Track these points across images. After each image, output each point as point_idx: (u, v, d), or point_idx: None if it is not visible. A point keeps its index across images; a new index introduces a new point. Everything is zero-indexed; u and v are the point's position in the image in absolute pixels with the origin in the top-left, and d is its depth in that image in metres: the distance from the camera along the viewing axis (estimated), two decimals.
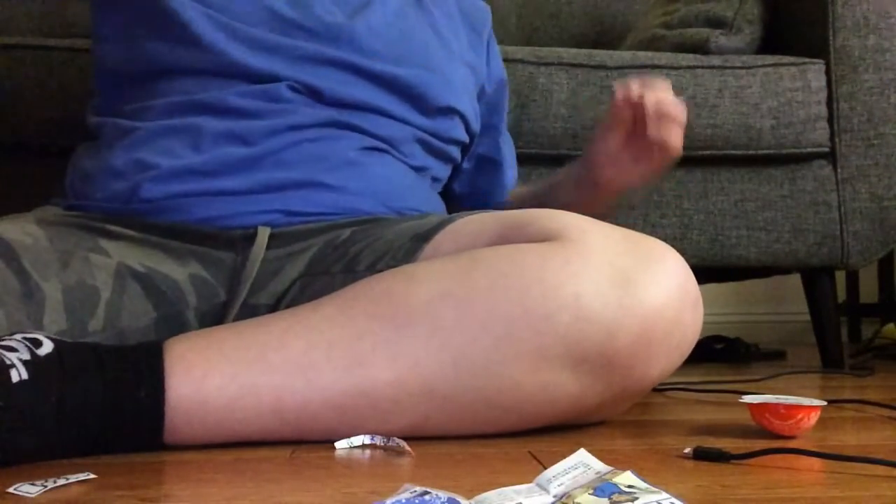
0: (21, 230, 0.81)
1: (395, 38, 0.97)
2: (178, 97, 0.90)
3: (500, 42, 1.16)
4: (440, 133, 1.01)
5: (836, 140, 1.40)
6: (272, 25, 0.92)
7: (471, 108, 1.05)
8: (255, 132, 0.89)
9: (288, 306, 0.83)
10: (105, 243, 0.85)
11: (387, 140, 0.95)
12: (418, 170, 1.00)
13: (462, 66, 1.05)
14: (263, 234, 0.87)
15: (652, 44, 1.52)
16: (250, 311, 0.85)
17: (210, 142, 0.88)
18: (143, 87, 0.93)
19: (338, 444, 0.71)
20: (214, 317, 0.86)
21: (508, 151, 1.19)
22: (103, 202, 0.89)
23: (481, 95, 1.12)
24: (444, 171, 1.07)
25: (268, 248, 0.87)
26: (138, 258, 0.85)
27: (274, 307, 0.85)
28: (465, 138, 1.06)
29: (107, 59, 0.96)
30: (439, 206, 1.05)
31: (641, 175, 0.99)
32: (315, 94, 0.92)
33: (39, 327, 0.75)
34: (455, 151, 1.06)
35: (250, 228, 0.87)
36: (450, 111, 1.01)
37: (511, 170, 1.18)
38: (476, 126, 1.08)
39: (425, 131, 0.99)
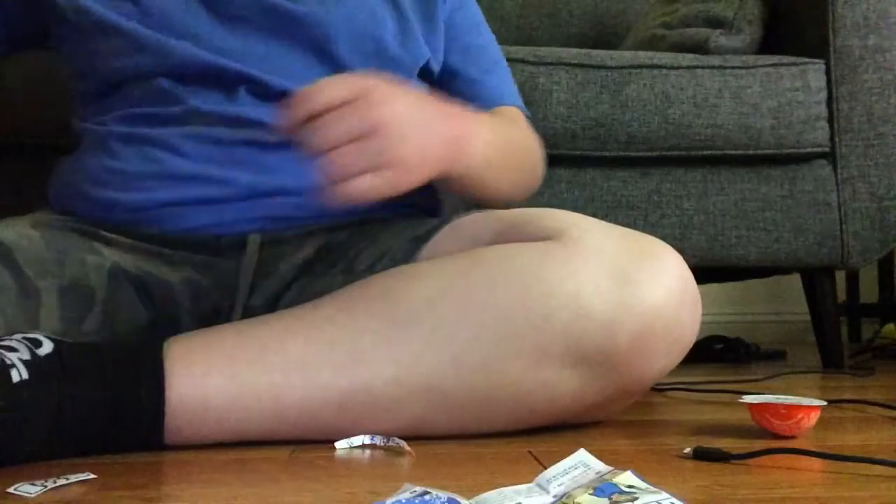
0: (17, 232, 0.81)
1: (344, 16, 0.92)
2: (146, 108, 0.88)
3: (501, 42, 1.15)
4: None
5: (836, 140, 1.40)
6: (220, 19, 0.89)
7: (434, 59, 0.99)
8: (231, 137, 0.87)
9: (287, 307, 0.83)
10: (99, 246, 0.84)
11: None
12: None
13: (420, 20, 0.99)
14: (254, 242, 0.86)
15: (652, 44, 1.52)
16: (247, 313, 0.85)
17: (186, 147, 0.86)
18: (109, 96, 0.91)
19: (338, 444, 0.71)
20: (209, 319, 0.85)
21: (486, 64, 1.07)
22: (88, 211, 0.88)
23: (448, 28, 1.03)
24: None
25: (260, 251, 0.86)
26: (132, 261, 0.84)
27: (272, 307, 0.85)
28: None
29: (70, 68, 0.95)
30: (434, 199, 1.04)
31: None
32: (283, 95, 0.88)
33: (35, 327, 0.75)
34: None
35: (240, 236, 0.86)
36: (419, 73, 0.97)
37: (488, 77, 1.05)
38: (438, 69, 1.01)
39: None
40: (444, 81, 1.04)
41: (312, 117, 0.70)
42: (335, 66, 0.91)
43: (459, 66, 1.04)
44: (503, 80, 1.08)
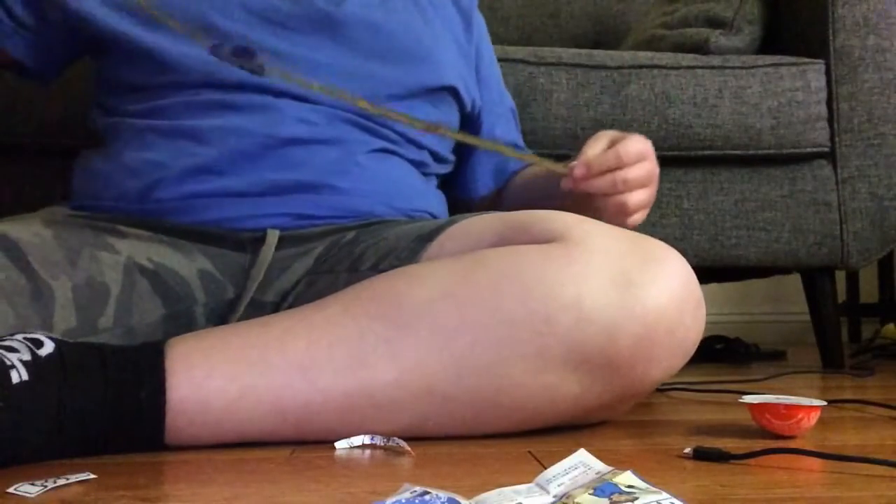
0: (27, 230, 0.82)
1: (380, 23, 0.96)
2: (186, 97, 0.91)
3: (501, 42, 1.16)
4: (432, 117, 1.00)
5: (836, 140, 1.40)
6: (258, 25, 0.92)
7: (463, 85, 1.04)
8: (264, 132, 0.89)
9: (292, 304, 0.84)
10: (113, 240, 0.85)
11: (392, 138, 0.95)
12: (419, 166, 1.00)
13: (451, 42, 1.04)
14: (273, 236, 0.87)
15: (652, 44, 1.52)
16: (256, 308, 0.85)
17: (220, 140, 0.88)
18: (148, 91, 0.93)
19: (338, 444, 0.71)
20: (222, 313, 0.86)
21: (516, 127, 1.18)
22: (115, 202, 0.89)
23: (477, 74, 1.11)
24: (441, 166, 1.06)
25: (276, 248, 0.87)
26: (147, 254, 0.85)
27: (279, 304, 0.85)
28: (457, 117, 1.06)
29: (107, 71, 0.96)
30: (443, 206, 1.05)
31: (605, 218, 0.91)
32: (313, 103, 0.92)
33: (49, 326, 0.75)
34: (449, 138, 1.05)
35: (260, 231, 0.87)
36: (443, 90, 1.00)
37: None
38: (470, 104, 1.06)
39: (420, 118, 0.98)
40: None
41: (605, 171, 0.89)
42: (370, 66, 0.95)
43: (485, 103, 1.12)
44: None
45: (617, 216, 0.92)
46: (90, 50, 0.97)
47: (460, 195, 1.18)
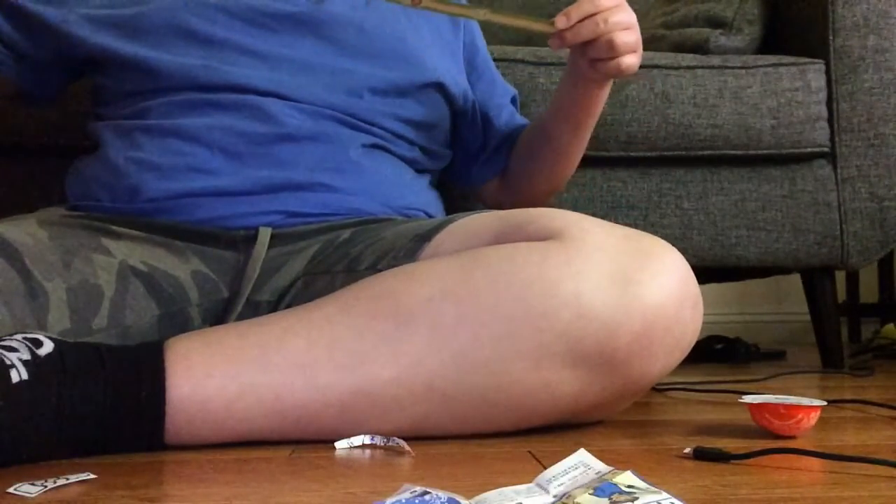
0: (23, 231, 0.82)
1: (362, 22, 0.97)
2: (172, 98, 0.91)
3: (501, 42, 1.16)
4: (420, 114, 1.00)
5: (836, 140, 1.40)
6: (240, 28, 0.93)
7: (451, 79, 1.04)
8: (252, 130, 0.89)
9: (290, 305, 0.84)
10: (107, 242, 0.85)
11: (381, 135, 0.95)
12: (411, 163, 1.00)
13: (436, 38, 1.05)
14: (265, 234, 0.87)
15: (652, 44, 1.52)
16: (252, 308, 0.85)
17: (208, 138, 0.89)
18: (136, 97, 0.93)
19: (338, 444, 0.71)
20: (217, 313, 0.86)
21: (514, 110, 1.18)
22: (107, 202, 0.89)
23: (471, 71, 1.11)
24: (433, 161, 1.06)
25: (269, 246, 0.87)
26: (141, 256, 0.85)
27: (276, 304, 0.86)
28: (447, 112, 1.06)
29: (100, 83, 0.98)
30: (438, 203, 1.05)
31: (607, 71, 0.94)
32: (298, 101, 0.92)
33: (43, 327, 0.75)
34: (440, 134, 1.06)
35: (252, 229, 0.88)
36: (428, 86, 1.00)
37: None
38: (461, 97, 1.06)
39: (408, 114, 0.99)
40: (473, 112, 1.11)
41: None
42: (360, 64, 0.95)
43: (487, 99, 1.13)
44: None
45: (609, 63, 0.91)
46: (86, 69, 0.99)
47: (469, 185, 1.17)
